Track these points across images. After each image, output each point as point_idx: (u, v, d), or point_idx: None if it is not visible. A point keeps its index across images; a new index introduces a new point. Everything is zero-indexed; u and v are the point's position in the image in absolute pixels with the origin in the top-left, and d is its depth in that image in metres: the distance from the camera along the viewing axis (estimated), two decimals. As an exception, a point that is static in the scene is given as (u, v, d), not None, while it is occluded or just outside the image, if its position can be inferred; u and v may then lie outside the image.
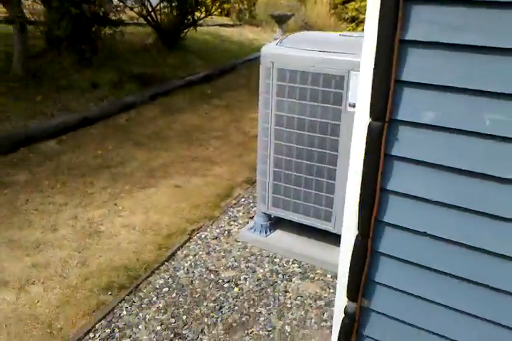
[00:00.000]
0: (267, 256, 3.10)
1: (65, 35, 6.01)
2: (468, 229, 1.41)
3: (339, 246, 1.71)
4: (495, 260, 1.40)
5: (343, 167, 2.58)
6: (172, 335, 2.43)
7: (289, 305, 2.67)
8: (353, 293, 1.69)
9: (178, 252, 3.13)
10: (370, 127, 1.40)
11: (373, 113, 1.37)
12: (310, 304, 2.67)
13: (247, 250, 3.17)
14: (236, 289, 2.80)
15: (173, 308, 2.62)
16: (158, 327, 2.48)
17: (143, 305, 2.64)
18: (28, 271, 2.85)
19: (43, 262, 2.94)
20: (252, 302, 2.69)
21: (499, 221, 1.34)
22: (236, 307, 2.64)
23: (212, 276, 2.91)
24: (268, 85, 2.77)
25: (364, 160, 1.46)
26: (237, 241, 3.26)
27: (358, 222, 1.56)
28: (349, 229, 1.62)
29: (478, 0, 1.18)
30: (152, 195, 3.86)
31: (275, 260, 3.06)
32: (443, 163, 1.37)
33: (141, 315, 2.57)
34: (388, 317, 1.70)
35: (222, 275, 2.92)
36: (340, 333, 1.80)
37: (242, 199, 3.85)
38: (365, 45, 1.34)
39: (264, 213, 3.18)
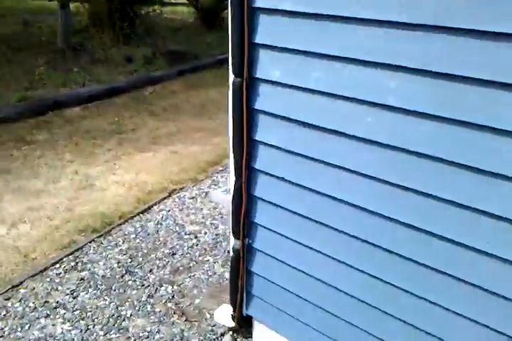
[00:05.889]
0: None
1: (104, 12, 6.48)
2: (308, 174, 1.62)
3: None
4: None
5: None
6: (124, 272, 2.79)
7: (235, 258, 2.94)
8: (236, 232, 1.94)
9: (154, 207, 3.48)
10: (233, 83, 1.63)
11: (234, 70, 1.60)
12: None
13: (217, 210, 3.47)
14: (194, 240, 3.11)
15: (133, 251, 2.98)
16: (115, 265, 2.85)
17: (108, 247, 3.02)
18: (23, 212, 3.31)
19: (37, 206, 3.39)
20: (203, 251, 2.99)
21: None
22: (188, 255, 2.96)
23: (177, 228, 3.23)
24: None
25: (232, 113, 1.69)
26: (211, 202, 3.56)
27: (234, 168, 1.81)
28: (232, 176, 1.86)
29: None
30: (149, 158, 4.24)
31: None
32: (290, 116, 1.58)
33: (104, 254, 2.94)
34: (265, 255, 1.94)
35: (187, 229, 3.24)
36: (231, 268, 2.06)
37: (230, 167, 4.13)
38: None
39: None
